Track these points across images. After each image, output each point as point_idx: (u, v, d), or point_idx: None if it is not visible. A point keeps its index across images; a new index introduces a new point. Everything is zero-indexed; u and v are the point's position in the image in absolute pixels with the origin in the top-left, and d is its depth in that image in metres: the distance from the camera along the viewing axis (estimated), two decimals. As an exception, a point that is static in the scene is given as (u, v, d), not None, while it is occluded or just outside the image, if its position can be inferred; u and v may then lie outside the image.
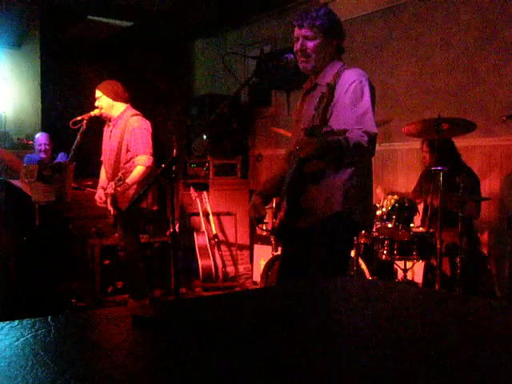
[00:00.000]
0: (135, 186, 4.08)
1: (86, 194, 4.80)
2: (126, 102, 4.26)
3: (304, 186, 2.47)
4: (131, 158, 4.15)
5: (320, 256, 2.46)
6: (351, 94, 2.38)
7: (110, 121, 4.27)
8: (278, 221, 2.56)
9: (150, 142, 4.17)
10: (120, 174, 3.96)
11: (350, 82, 2.40)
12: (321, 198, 2.45)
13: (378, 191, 4.39)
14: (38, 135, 5.87)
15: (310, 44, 2.48)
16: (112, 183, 3.99)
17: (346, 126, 2.35)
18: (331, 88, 2.31)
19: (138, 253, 4.30)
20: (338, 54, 2.55)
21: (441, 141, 3.89)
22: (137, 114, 4.24)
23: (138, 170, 4.08)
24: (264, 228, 5.18)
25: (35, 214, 4.13)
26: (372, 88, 2.44)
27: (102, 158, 4.41)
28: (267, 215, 2.73)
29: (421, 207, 4.22)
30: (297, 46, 2.51)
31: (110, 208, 4.11)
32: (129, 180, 4.02)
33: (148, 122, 4.24)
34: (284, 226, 2.56)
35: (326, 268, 2.43)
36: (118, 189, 3.94)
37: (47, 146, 5.79)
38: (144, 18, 6.53)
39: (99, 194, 4.25)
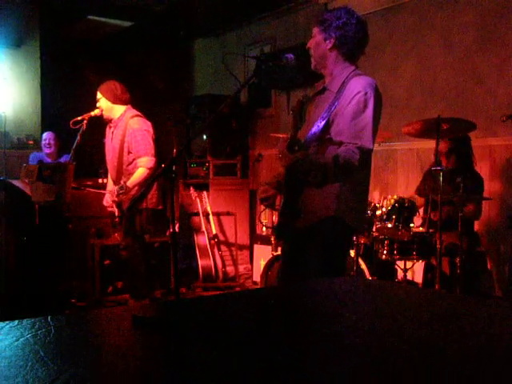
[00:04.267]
0: (137, 187, 4.07)
1: (86, 194, 4.80)
2: (125, 103, 4.25)
3: (300, 188, 2.48)
4: (133, 160, 4.14)
5: (314, 258, 2.47)
6: (354, 106, 2.35)
7: (110, 122, 4.27)
8: (281, 220, 2.58)
9: (152, 143, 4.16)
10: (122, 182, 3.96)
11: (356, 92, 2.36)
12: (315, 201, 2.46)
13: None
14: (44, 133, 5.95)
15: (311, 41, 2.52)
16: (115, 189, 3.99)
17: (344, 138, 2.35)
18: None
19: (140, 253, 4.30)
20: (345, 55, 2.48)
21: (460, 139, 3.93)
22: (137, 115, 4.24)
23: (139, 172, 4.07)
24: (264, 223, 5.19)
25: (35, 214, 4.13)
26: (378, 99, 2.40)
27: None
28: (267, 213, 2.74)
29: (421, 208, 4.22)
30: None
31: (115, 210, 4.11)
32: (130, 183, 4.01)
33: (149, 123, 4.23)
34: (282, 225, 2.57)
35: (321, 271, 2.44)
36: (121, 196, 3.94)
37: (52, 141, 5.84)
38: (144, 17, 6.53)
39: (106, 198, 4.25)
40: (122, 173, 4.11)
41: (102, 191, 4.51)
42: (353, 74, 2.45)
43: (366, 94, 2.36)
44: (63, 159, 5.76)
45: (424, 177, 4.37)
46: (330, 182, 2.40)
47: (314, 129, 2.43)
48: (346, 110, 2.37)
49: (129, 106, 4.27)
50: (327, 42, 2.46)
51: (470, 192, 3.79)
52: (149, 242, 4.94)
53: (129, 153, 4.15)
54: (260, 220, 5.23)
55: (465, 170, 4.05)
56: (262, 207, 2.79)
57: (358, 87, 2.38)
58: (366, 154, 2.33)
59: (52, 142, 5.85)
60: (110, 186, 4.33)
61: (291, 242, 2.62)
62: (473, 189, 3.93)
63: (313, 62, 2.52)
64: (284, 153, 2.37)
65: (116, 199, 3.98)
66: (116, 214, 4.13)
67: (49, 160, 5.68)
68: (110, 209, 4.23)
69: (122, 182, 3.97)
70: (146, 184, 4.04)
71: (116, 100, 4.20)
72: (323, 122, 2.41)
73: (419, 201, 4.21)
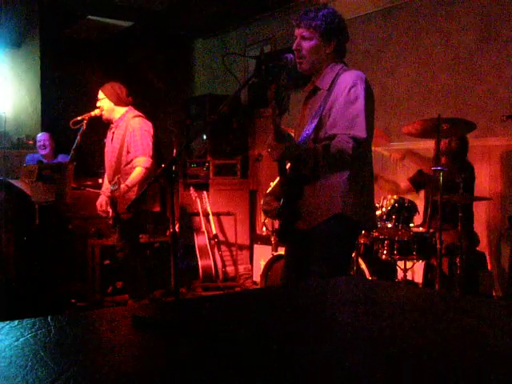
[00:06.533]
0: (136, 188, 4.06)
1: (86, 194, 4.80)
2: (127, 105, 4.25)
3: (300, 188, 2.47)
4: (131, 160, 4.14)
5: (321, 258, 2.45)
6: (345, 98, 2.36)
7: (111, 123, 4.26)
8: (280, 221, 2.57)
9: (150, 143, 4.15)
10: (116, 179, 3.95)
11: (345, 85, 2.38)
12: (319, 200, 2.44)
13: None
14: (38, 134, 5.91)
15: (306, 44, 2.46)
16: (110, 186, 3.99)
17: (337, 130, 2.35)
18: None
19: (136, 254, 4.29)
20: (338, 55, 2.51)
21: (457, 140, 3.94)
22: (139, 116, 4.23)
23: (136, 172, 4.06)
24: (266, 223, 5.19)
25: (35, 214, 4.13)
26: (369, 91, 2.41)
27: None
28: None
29: (421, 208, 4.22)
30: (294, 45, 2.50)
31: (109, 210, 4.10)
32: (128, 182, 4.00)
33: (149, 124, 4.22)
34: (284, 228, 2.56)
35: (328, 269, 2.42)
36: (116, 194, 3.93)
37: (46, 142, 5.82)
38: (144, 17, 6.53)
39: (100, 201, 4.23)
40: (119, 172, 4.10)
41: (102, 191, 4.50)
42: (342, 70, 2.47)
43: (355, 85, 2.37)
44: (59, 159, 5.75)
45: (420, 171, 4.37)
46: (323, 171, 2.39)
47: (307, 129, 2.43)
48: (337, 103, 2.38)
49: (130, 106, 4.27)
50: (327, 46, 2.46)
51: (468, 190, 3.82)
52: (149, 242, 4.94)
53: (128, 152, 4.15)
54: (265, 224, 5.23)
55: (463, 168, 4.05)
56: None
57: (347, 80, 2.39)
58: (360, 144, 2.32)
59: (47, 142, 5.83)
60: (105, 188, 4.32)
61: (295, 243, 2.61)
62: (470, 185, 3.97)
63: (305, 64, 2.49)
64: (273, 145, 2.37)
65: (110, 195, 3.98)
66: (110, 214, 4.12)
67: (45, 161, 5.66)
68: (101, 213, 4.21)
69: (116, 179, 3.96)
70: (144, 185, 4.02)
71: (118, 102, 4.19)
72: (315, 121, 2.41)
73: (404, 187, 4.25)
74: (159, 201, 4.29)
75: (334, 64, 2.49)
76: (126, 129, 4.15)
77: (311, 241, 2.47)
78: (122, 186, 3.94)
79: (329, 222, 2.42)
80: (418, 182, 4.29)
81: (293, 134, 2.61)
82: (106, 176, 4.38)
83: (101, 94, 4.21)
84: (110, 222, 4.21)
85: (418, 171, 4.39)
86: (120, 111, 4.21)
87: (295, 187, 2.48)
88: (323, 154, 2.30)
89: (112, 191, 3.95)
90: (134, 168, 4.08)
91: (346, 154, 2.30)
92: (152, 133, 4.19)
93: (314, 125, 2.41)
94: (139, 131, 4.12)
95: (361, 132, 2.32)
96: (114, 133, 4.24)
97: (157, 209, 4.28)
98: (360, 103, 2.35)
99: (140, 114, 4.26)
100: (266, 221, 5.23)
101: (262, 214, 2.82)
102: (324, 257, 2.44)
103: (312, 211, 2.45)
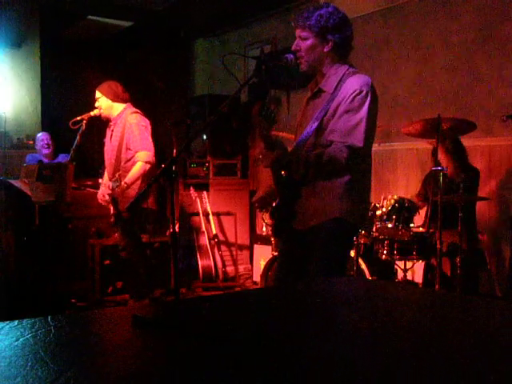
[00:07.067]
0: (138, 184, 4.06)
1: (86, 194, 4.80)
2: (125, 102, 4.26)
3: (297, 190, 2.47)
4: (131, 157, 4.14)
5: (317, 260, 2.45)
6: (349, 105, 2.34)
7: (110, 121, 4.27)
8: (274, 221, 2.59)
9: (149, 138, 4.17)
10: (117, 176, 3.95)
11: (352, 90, 2.34)
12: (318, 202, 2.43)
13: None
14: (38, 134, 5.91)
15: (303, 44, 2.44)
16: (110, 183, 4.00)
17: (334, 137, 2.35)
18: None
19: (138, 253, 4.30)
20: (340, 54, 2.46)
21: (453, 144, 3.93)
22: (136, 112, 4.25)
23: (137, 167, 4.06)
24: (264, 229, 5.19)
25: (35, 214, 4.13)
26: (374, 98, 2.38)
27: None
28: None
29: (423, 209, 4.21)
30: (293, 46, 2.49)
31: (111, 207, 4.11)
32: (128, 179, 4.01)
33: (147, 120, 4.25)
34: (280, 227, 2.57)
35: (325, 269, 2.42)
36: (117, 190, 3.94)
37: (49, 141, 5.83)
38: (144, 17, 6.53)
39: (102, 192, 4.24)
40: (119, 170, 4.11)
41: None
42: (348, 72, 2.43)
43: (362, 92, 2.34)
44: (60, 159, 5.76)
45: (425, 180, 4.37)
46: (313, 178, 2.39)
47: (307, 130, 2.42)
48: (340, 109, 2.36)
49: (128, 103, 4.27)
50: (324, 45, 2.42)
51: (469, 190, 3.82)
52: (149, 242, 4.94)
53: (127, 149, 4.15)
54: (263, 218, 5.23)
55: (463, 169, 4.05)
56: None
57: (354, 86, 2.36)
58: (356, 153, 2.32)
59: (50, 142, 5.85)
60: (106, 181, 4.32)
61: (290, 243, 2.61)
62: (471, 185, 3.96)
63: (303, 64, 2.46)
64: (264, 153, 2.39)
65: (110, 192, 3.99)
66: (111, 212, 4.12)
67: (46, 160, 5.66)
68: (103, 203, 4.22)
69: (116, 176, 3.96)
70: (145, 182, 4.03)
71: (116, 98, 4.21)
72: (316, 124, 2.40)
73: (419, 204, 4.20)
74: (157, 198, 4.30)
75: (339, 65, 2.45)
76: (125, 125, 4.16)
77: (308, 241, 2.47)
78: (122, 183, 3.95)
79: (327, 225, 2.42)
80: (424, 194, 4.29)
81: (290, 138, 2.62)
82: (105, 173, 4.39)
83: (98, 94, 4.23)
84: (112, 219, 4.22)
85: (421, 185, 4.39)
86: (118, 108, 4.23)
87: (291, 189, 2.48)
88: (314, 163, 2.32)
89: (113, 188, 3.96)
90: (135, 163, 4.08)
91: (339, 163, 2.31)
92: (149, 129, 4.21)
93: (314, 127, 2.40)
94: (136, 126, 4.14)
95: (358, 141, 2.31)
96: (112, 130, 4.25)
97: (155, 207, 4.28)
98: (363, 111, 2.33)
99: (137, 110, 4.28)
100: (267, 220, 5.23)
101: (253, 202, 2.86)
102: (322, 257, 2.44)
103: (310, 213, 2.45)
